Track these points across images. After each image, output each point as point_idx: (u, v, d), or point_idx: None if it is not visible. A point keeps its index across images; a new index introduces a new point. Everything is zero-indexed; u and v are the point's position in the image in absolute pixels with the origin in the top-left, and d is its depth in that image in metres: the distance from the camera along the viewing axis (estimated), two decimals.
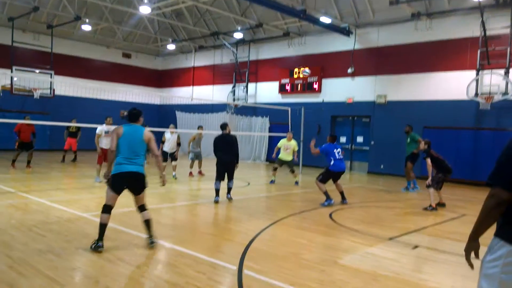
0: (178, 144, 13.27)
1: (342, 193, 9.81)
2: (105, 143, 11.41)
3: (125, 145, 5.50)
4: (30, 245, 5.42)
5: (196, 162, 14.21)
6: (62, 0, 19.50)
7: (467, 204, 10.87)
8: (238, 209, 8.86)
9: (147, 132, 5.71)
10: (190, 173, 14.12)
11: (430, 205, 9.41)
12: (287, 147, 13.13)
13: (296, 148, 13.26)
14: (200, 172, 14.41)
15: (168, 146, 13.04)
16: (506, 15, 14.16)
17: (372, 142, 17.74)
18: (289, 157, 13.10)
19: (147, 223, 5.61)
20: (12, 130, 14.54)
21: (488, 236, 2.43)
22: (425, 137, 15.63)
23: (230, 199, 9.60)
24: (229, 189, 9.65)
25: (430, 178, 9.45)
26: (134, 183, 5.58)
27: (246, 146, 21.76)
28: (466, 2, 14.41)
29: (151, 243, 5.53)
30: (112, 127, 11.39)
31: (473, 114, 15.00)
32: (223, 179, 9.43)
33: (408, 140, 12.84)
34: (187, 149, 14.64)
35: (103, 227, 5.38)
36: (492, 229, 2.39)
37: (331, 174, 9.59)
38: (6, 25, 20.27)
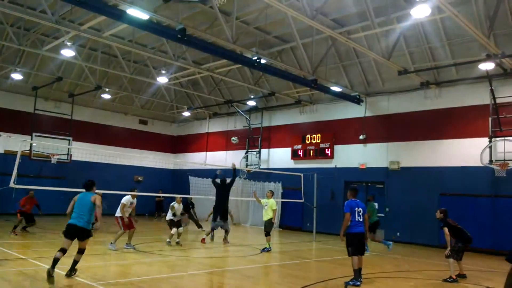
0: (183, 213, 13.99)
1: (360, 270, 8.40)
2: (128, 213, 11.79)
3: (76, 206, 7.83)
4: None
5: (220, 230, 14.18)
6: (84, 71, 20.55)
7: (490, 275, 10.39)
8: (250, 279, 8.59)
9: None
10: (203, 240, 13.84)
11: (450, 277, 9.01)
12: (265, 204, 12.95)
13: (274, 207, 12.89)
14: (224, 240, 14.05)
15: (175, 215, 13.34)
16: None
17: (387, 209, 17.43)
18: (265, 217, 12.87)
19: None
20: (26, 194, 14.79)
21: None
22: (442, 205, 15.39)
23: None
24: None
25: (449, 248, 9.15)
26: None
27: (259, 212, 21.49)
28: (474, 71, 14.76)
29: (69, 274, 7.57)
30: (135, 200, 11.66)
31: (489, 181, 14.78)
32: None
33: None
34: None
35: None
36: None
37: (353, 239, 8.31)
38: (30, 93, 21.28)
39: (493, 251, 13.77)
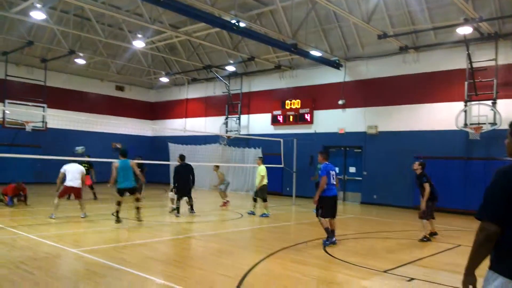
0: None
1: (333, 231, 8.55)
2: None
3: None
4: (18, 283, 5.28)
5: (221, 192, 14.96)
6: (56, 35, 19.76)
7: (461, 234, 10.84)
8: (231, 242, 8.75)
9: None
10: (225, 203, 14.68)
11: (425, 236, 9.36)
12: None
13: (262, 173, 12.97)
14: (226, 203, 14.77)
15: None
16: (491, 48, 14.58)
17: (365, 173, 17.79)
18: (256, 183, 13.04)
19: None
20: (2, 163, 14.37)
21: (484, 267, 2.44)
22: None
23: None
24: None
25: (424, 206, 9.18)
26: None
27: (239, 177, 21.70)
28: (452, 36, 14.83)
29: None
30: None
31: (463, 144, 15.17)
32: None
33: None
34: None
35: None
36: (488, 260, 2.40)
37: (328, 202, 8.43)
38: (0, 59, 20.44)
39: (465, 212, 14.32)
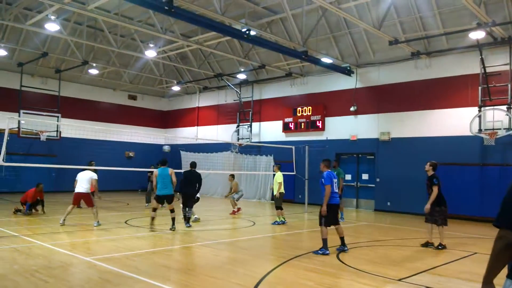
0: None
1: (342, 239, 8.61)
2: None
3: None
4: None
5: (232, 200, 15.20)
6: (70, 46, 20.11)
7: (477, 241, 10.64)
8: (243, 250, 8.72)
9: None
10: (235, 211, 15.00)
11: (440, 244, 9.22)
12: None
13: (279, 180, 12.92)
14: (236, 211, 15.06)
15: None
16: (504, 52, 14.41)
17: (378, 179, 17.64)
18: (274, 191, 13.00)
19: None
20: (18, 172, 14.54)
21: (503, 277, 2.39)
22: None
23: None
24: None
25: (429, 207, 9.07)
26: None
27: (251, 185, 21.68)
28: (464, 40, 14.70)
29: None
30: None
31: (478, 150, 14.96)
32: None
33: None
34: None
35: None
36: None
37: (330, 210, 8.36)
38: (16, 70, 20.85)
39: (481, 218, 14.08)
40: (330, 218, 8.40)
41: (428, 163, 9.40)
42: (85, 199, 11.40)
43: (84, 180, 11.33)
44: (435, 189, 8.98)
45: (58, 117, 21.16)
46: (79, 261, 7.15)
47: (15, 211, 13.26)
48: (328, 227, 8.38)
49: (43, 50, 19.56)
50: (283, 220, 12.80)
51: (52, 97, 21.92)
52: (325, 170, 8.57)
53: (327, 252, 8.24)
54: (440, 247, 9.14)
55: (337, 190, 8.52)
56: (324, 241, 8.31)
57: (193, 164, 12.43)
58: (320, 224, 8.43)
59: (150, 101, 28.16)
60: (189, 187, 11.80)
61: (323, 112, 19.63)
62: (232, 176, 15.75)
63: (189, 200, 11.78)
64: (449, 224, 11.34)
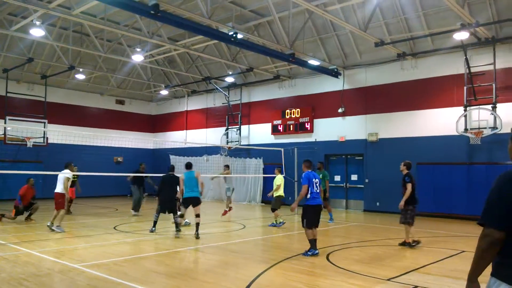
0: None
1: (314, 240, 8.39)
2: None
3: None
4: None
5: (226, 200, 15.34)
6: (56, 51, 19.92)
7: (465, 239, 10.78)
8: (234, 253, 8.71)
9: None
10: (227, 211, 14.98)
11: (406, 241, 9.40)
12: None
13: (278, 182, 12.99)
14: (227, 212, 15.06)
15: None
16: (488, 52, 14.63)
17: (367, 180, 17.75)
18: (275, 193, 13.02)
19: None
20: (5, 179, 14.35)
21: (488, 274, 2.42)
22: (419, 174, 15.77)
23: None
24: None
25: (402, 205, 9.27)
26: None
27: (241, 187, 21.68)
28: (449, 41, 14.89)
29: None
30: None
31: (464, 149, 15.14)
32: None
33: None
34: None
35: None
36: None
37: (311, 211, 8.36)
38: (1, 76, 20.59)
39: (468, 217, 14.23)
40: (311, 219, 8.35)
41: (402, 163, 9.64)
42: (55, 199, 11.23)
43: (59, 179, 11.27)
44: (409, 187, 9.20)
45: (44, 123, 20.94)
46: (67, 268, 7.07)
47: None
48: (310, 228, 8.33)
49: (28, 56, 19.35)
50: (281, 221, 12.78)
51: (39, 103, 21.69)
52: (305, 171, 8.66)
53: (316, 251, 8.27)
54: (406, 244, 9.33)
55: (318, 191, 8.46)
56: (311, 241, 8.33)
57: (172, 168, 12.07)
58: (303, 226, 8.42)
59: (138, 106, 28.01)
60: (169, 192, 11.19)
61: (312, 114, 19.72)
62: (227, 166, 16.06)
63: (171, 205, 11.16)
64: (437, 222, 11.46)
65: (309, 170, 8.67)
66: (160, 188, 11.32)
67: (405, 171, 9.50)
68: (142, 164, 15.89)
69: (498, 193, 2.35)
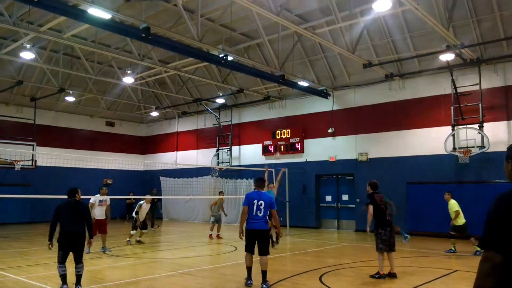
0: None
1: (264, 272, 7.39)
2: (98, 213, 11.41)
3: None
4: None
5: (216, 225, 15.31)
6: (46, 74, 19.90)
7: (456, 258, 10.77)
8: (226, 276, 8.60)
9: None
10: (210, 236, 15.11)
11: (378, 272, 8.19)
12: None
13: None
14: (218, 236, 15.20)
15: (142, 215, 13.59)
16: (474, 73, 14.95)
17: (358, 200, 17.76)
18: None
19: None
20: None
21: None
22: (409, 194, 15.85)
23: None
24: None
25: (368, 230, 8.57)
26: None
27: (232, 209, 21.52)
28: (436, 62, 15.20)
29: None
30: (107, 197, 11.42)
31: (453, 168, 15.30)
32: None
33: None
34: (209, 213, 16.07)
35: None
36: None
37: (246, 235, 7.49)
38: None
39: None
40: (247, 244, 7.54)
41: (368, 183, 8.84)
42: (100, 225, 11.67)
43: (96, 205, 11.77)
44: (370, 209, 8.37)
45: (33, 145, 20.73)
46: None
47: None
48: (247, 252, 7.55)
49: (18, 79, 19.30)
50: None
51: (28, 125, 21.51)
52: (255, 190, 7.81)
53: (250, 282, 7.46)
54: (376, 275, 8.15)
55: (260, 214, 7.48)
56: (247, 269, 7.59)
57: (73, 192, 7.51)
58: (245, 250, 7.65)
59: (129, 127, 27.93)
60: (74, 225, 7.09)
61: (302, 135, 19.83)
62: (222, 192, 16.59)
63: (79, 245, 7.18)
64: (428, 242, 11.44)
65: (258, 189, 7.73)
66: (61, 220, 7.19)
67: (370, 191, 8.63)
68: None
69: (498, 215, 2.32)
